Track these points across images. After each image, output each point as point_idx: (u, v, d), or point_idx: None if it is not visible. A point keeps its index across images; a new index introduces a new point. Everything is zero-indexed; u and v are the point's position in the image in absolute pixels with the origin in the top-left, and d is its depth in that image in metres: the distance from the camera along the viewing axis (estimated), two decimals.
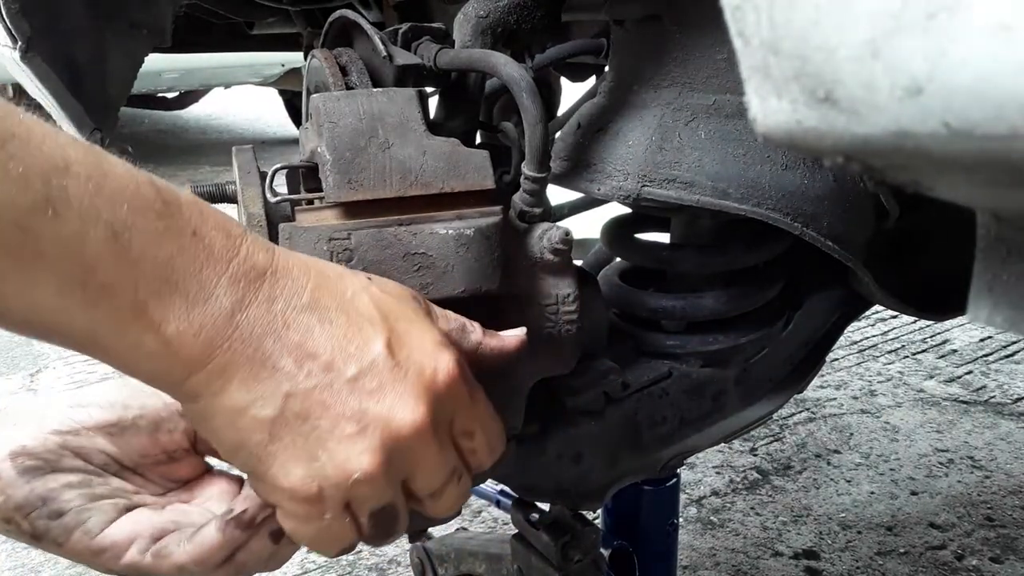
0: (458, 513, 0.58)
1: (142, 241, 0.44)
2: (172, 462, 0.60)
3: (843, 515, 1.81)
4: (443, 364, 0.51)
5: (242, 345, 0.47)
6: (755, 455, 2.05)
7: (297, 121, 5.44)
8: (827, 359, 0.94)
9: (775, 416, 1.98)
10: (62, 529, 0.55)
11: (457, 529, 1.40)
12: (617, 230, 0.86)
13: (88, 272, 0.43)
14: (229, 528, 0.54)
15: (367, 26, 0.75)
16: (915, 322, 2.68)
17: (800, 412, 2.23)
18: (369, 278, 0.54)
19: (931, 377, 2.40)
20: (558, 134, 0.82)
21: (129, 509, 0.57)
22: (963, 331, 2.65)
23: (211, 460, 0.61)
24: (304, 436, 0.48)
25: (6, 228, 0.41)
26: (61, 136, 0.43)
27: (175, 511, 0.58)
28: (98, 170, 0.44)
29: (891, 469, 1.98)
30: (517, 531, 0.94)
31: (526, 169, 0.68)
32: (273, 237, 0.62)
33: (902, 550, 1.70)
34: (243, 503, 0.55)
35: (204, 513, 0.58)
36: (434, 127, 0.66)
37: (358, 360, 0.49)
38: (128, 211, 0.44)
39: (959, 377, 2.40)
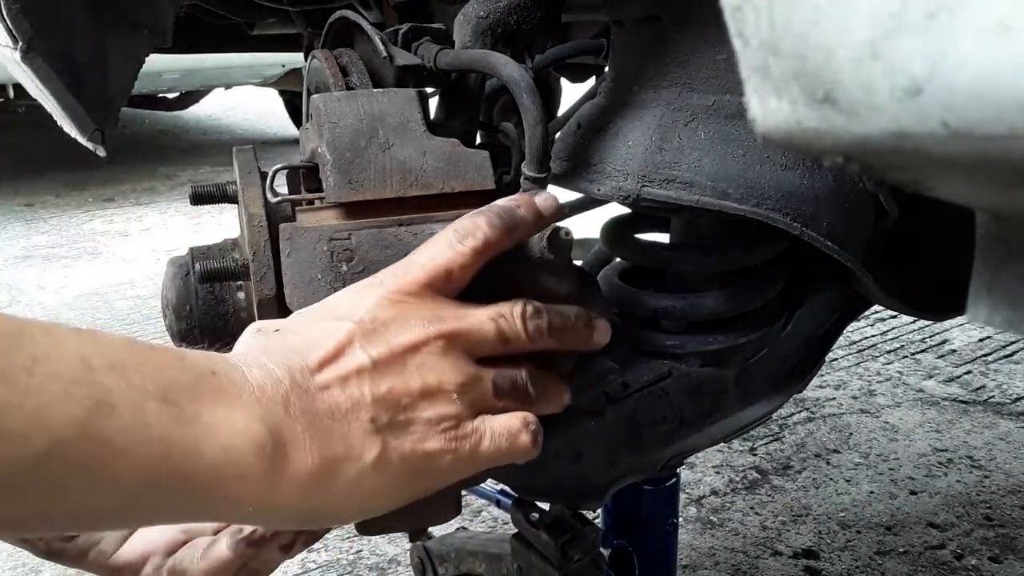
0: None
1: (191, 395, 0.45)
2: None
3: (842, 515, 1.81)
4: (373, 299, 0.54)
5: (312, 435, 0.48)
6: (755, 455, 2.05)
7: (297, 122, 5.44)
8: (826, 359, 0.94)
9: (774, 416, 1.98)
10: (77, 550, 0.56)
11: (457, 529, 1.40)
12: (617, 230, 0.86)
13: (166, 444, 0.43)
14: (240, 547, 0.55)
15: (367, 27, 0.75)
16: (914, 322, 2.68)
17: (799, 412, 2.23)
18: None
19: (930, 377, 2.40)
20: (558, 134, 0.82)
21: None
22: (962, 331, 2.65)
23: None
24: (407, 426, 0.51)
25: (76, 445, 0.41)
26: (60, 333, 0.43)
27: None
28: (119, 357, 0.44)
29: (890, 469, 1.98)
30: (517, 531, 0.94)
31: (526, 169, 0.68)
32: (274, 237, 0.62)
33: (901, 549, 1.70)
34: None
35: None
36: (434, 127, 0.66)
37: (368, 347, 0.51)
38: (161, 377, 0.45)
39: (958, 377, 2.40)
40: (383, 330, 0.52)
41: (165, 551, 0.57)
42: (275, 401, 0.47)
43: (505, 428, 0.55)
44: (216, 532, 0.58)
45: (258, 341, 0.52)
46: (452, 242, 0.56)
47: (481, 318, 0.56)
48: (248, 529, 0.56)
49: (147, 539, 0.57)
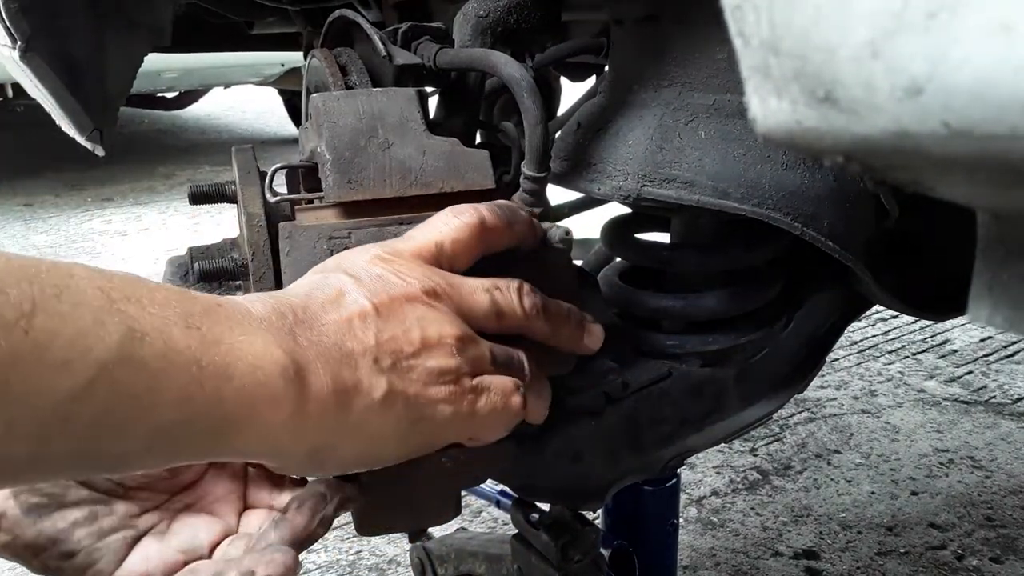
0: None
1: (209, 322, 0.45)
2: (175, 473, 0.60)
3: (843, 515, 1.81)
4: (367, 255, 0.55)
5: (324, 363, 0.48)
6: (755, 455, 2.05)
7: (297, 121, 5.44)
8: (827, 359, 0.94)
9: (775, 416, 1.98)
10: (74, 570, 0.55)
11: (457, 529, 1.40)
12: (617, 230, 0.86)
13: (198, 368, 0.43)
14: None
15: (367, 26, 0.75)
16: (915, 322, 2.68)
17: (800, 412, 2.23)
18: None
19: (931, 377, 2.40)
20: (558, 134, 0.82)
21: (136, 539, 0.57)
22: (963, 331, 2.65)
23: None
24: (410, 372, 0.51)
25: (118, 371, 0.40)
26: (71, 267, 0.43)
27: (181, 534, 0.58)
28: (132, 290, 0.44)
29: (891, 469, 1.98)
30: (517, 531, 0.94)
31: (526, 169, 0.68)
32: (273, 237, 0.62)
33: (902, 550, 1.70)
34: (266, 568, 0.54)
35: (210, 527, 0.58)
36: (434, 127, 0.66)
37: (368, 294, 0.52)
38: (175, 306, 0.45)
39: (959, 377, 2.40)
40: (379, 281, 0.53)
41: (163, 572, 0.56)
42: (283, 332, 0.48)
43: (500, 388, 0.55)
44: (211, 552, 0.57)
45: (255, 295, 0.52)
46: (447, 219, 0.57)
47: (476, 286, 0.56)
48: (261, 573, 0.55)
49: (145, 559, 0.56)
